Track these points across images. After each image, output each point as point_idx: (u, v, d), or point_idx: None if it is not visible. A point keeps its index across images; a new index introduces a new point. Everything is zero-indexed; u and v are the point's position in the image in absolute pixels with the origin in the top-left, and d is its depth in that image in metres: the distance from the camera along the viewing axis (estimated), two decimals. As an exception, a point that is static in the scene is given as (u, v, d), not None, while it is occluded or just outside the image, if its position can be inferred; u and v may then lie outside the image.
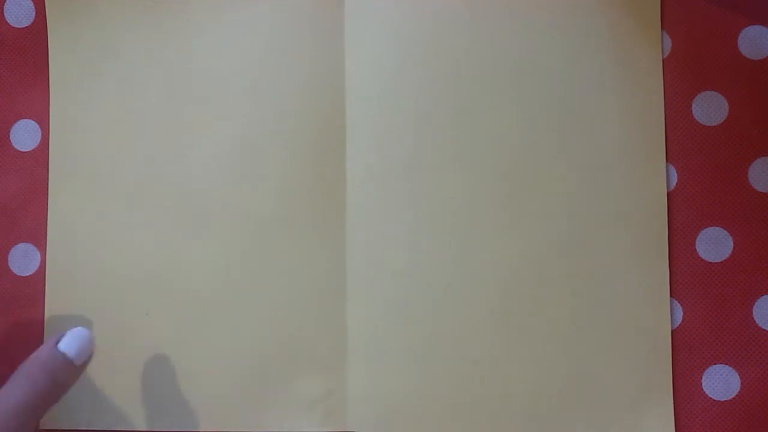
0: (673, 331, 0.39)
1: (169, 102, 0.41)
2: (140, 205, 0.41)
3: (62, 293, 0.41)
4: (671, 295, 0.39)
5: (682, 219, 0.39)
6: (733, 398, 0.38)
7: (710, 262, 0.39)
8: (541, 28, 0.40)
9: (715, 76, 0.39)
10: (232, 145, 0.40)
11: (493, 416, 0.39)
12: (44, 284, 0.41)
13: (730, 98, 0.39)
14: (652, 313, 0.39)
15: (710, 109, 0.39)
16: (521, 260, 0.39)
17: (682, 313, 0.39)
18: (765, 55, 0.39)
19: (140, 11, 0.41)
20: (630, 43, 0.39)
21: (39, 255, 0.41)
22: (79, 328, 0.36)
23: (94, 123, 0.41)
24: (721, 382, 0.38)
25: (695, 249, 0.39)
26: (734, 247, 0.39)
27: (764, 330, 0.38)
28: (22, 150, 0.42)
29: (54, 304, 0.41)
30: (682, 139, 0.39)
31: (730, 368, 0.38)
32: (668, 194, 0.39)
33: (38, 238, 0.41)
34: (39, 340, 0.41)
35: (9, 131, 0.42)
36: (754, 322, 0.38)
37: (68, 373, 0.35)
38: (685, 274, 0.39)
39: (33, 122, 0.42)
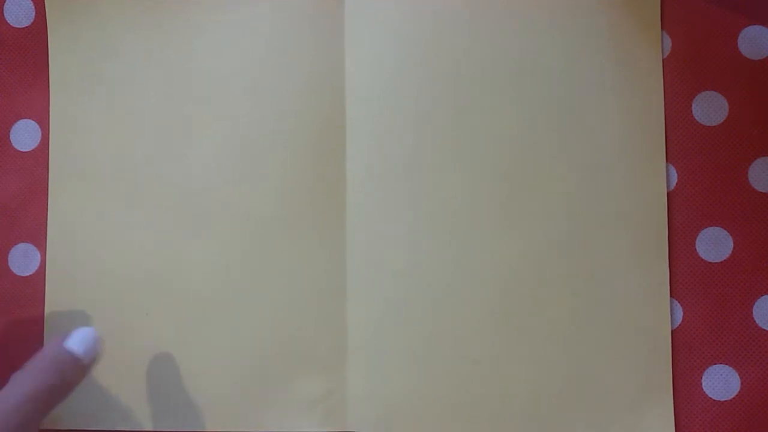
0: (673, 331, 0.39)
1: (169, 102, 0.41)
2: (140, 205, 0.41)
3: (62, 293, 0.41)
4: (671, 295, 0.39)
5: (682, 219, 0.39)
6: (733, 398, 0.38)
7: (710, 262, 0.39)
8: (541, 28, 0.40)
9: (715, 76, 0.39)
10: (232, 145, 0.40)
11: (493, 416, 0.39)
12: (44, 284, 0.41)
13: (730, 98, 0.39)
14: (652, 313, 0.39)
15: (710, 109, 0.39)
16: (521, 260, 0.39)
17: (682, 313, 0.39)
18: (765, 55, 0.39)
19: (140, 11, 0.41)
20: (630, 43, 0.39)
21: (39, 255, 0.41)
22: (87, 327, 0.36)
23: (94, 123, 0.41)
24: (721, 382, 0.38)
25: (695, 249, 0.39)
26: (734, 247, 0.39)
27: (764, 330, 0.38)
28: (22, 150, 0.42)
29: (54, 304, 0.41)
30: (682, 139, 0.39)
31: (730, 368, 0.38)
32: (668, 194, 0.39)
33: (38, 238, 0.41)
34: (39, 340, 0.41)
35: (9, 131, 0.42)
36: (754, 322, 0.38)
37: (75, 372, 0.35)
38: (685, 274, 0.39)
39: (33, 122, 0.42)
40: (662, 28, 0.39)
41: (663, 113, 0.39)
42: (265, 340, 0.40)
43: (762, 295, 0.39)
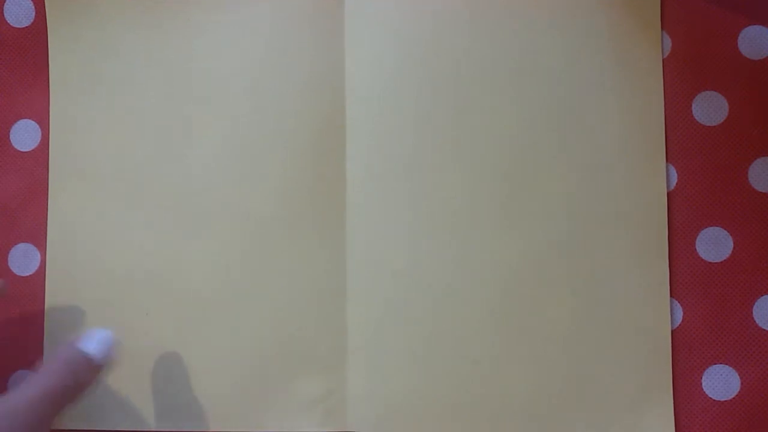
0: (673, 331, 0.39)
1: (169, 102, 0.41)
2: (140, 205, 0.41)
3: (62, 293, 0.41)
4: (671, 295, 0.39)
5: (682, 219, 0.39)
6: (733, 398, 0.38)
7: (710, 262, 0.39)
8: (541, 28, 0.40)
9: (715, 76, 0.39)
10: (232, 145, 0.40)
11: (493, 416, 0.39)
12: (44, 284, 0.41)
13: (730, 98, 0.39)
14: (652, 313, 0.39)
15: (710, 109, 0.39)
16: (521, 260, 0.39)
17: (682, 313, 0.39)
18: (765, 55, 0.39)
19: (140, 11, 0.41)
20: (630, 43, 0.39)
21: (39, 255, 0.41)
22: (103, 329, 0.36)
23: (94, 123, 0.41)
24: (721, 382, 0.38)
25: (695, 249, 0.39)
26: (734, 247, 0.39)
27: (764, 330, 0.38)
28: (22, 150, 0.42)
29: (54, 304, 0.41)
30: (682, 139, 0.39)
31: (730, 368, 0.38)
32: (668, 194, 0.39)
33: (38, 238, 0.41)
34: (39, 340, 0.41)
35: (9, 131, 0.42)
36: (754, 322, 0.38)
37: (89, 373, 0.35)
38: (685, 274, 0.39)
39: (33, 122, 0.42)
40: (662, 28, 0.39)
41: (663, 113, 0.39)
42: (265, 340, 0.40)
43: (762, 295, 0.39)
